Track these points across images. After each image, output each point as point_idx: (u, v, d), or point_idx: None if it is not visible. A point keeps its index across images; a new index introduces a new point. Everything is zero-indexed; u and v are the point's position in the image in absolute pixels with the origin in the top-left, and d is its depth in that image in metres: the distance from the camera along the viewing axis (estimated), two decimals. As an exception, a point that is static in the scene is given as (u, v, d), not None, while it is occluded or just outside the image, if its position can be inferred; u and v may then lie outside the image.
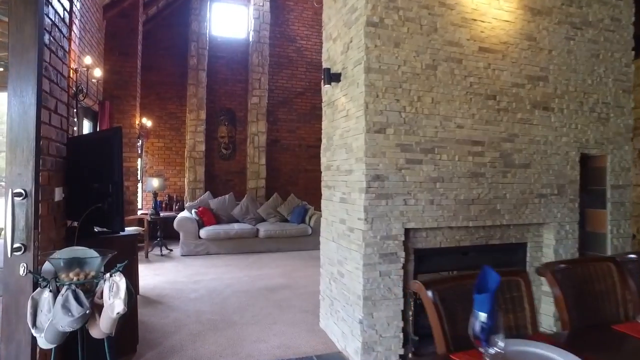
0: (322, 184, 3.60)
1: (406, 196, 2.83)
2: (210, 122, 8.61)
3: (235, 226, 6.89)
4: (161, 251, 6.59)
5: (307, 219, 7.51)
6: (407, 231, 2.87)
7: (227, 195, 7.53)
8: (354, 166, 2.89)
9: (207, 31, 8.41)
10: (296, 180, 9.36)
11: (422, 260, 3.01)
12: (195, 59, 8.19)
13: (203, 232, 6.59)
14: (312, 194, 9.39)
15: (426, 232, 2.97)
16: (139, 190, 7.74)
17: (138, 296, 4.21)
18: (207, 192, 7.57)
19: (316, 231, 7.30)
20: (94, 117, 6.40)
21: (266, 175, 8.73)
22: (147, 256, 6.30)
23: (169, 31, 8.44)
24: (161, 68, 8.40)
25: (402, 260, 2.83)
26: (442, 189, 2.92)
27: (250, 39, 8.77)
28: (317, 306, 3.78)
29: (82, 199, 2.68)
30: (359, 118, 2.81)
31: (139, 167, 8.32)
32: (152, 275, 5.21)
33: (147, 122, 7.89)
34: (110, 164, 2.51)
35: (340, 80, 3.13)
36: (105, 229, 2.68)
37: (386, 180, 2.78)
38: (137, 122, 7.05)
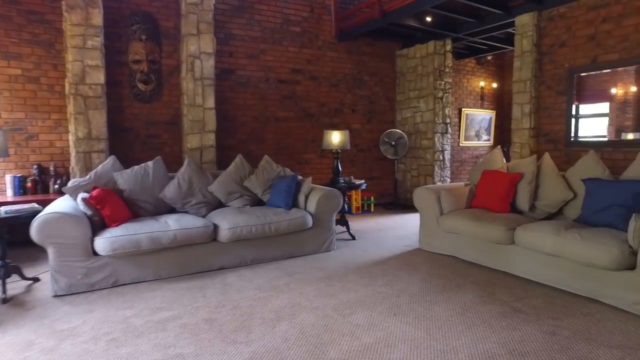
0: None
1: None
2: (114, 35, 4.87)
3: (171, 222, 3.48)
4: (4, 291, 3.01)
5: (300, 198, 4.31)
6: None
7: (150, 163, 4.01)
8: None
9: None
10: (262, 135, 6.01)
11: None
12: None
13: (102, 243, 3.12)
14: (289, 155, 6.17)
15: None
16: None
17: None
18: (112, 158, 3.97)
19: (321, 220, 4.16)
20: None
21: (216, 127, 5.27)
22: (-34, 308, 2.75)
23: None
24: None
25: None
26: None
27: None
28: None
29: None
30: None
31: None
32: None
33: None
34: None
35: None
36: None
37: None
38: None
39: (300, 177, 4.48)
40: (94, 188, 3.52)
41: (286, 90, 6.14)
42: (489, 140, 8.24)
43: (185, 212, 3.95)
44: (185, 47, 5.05)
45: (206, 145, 5.20)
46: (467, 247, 3.72)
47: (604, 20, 4.43)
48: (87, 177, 3.71)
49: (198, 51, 5.08)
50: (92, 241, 3.12)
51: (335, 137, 4.92)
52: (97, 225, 3.26)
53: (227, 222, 3.67)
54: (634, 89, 4.45)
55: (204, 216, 3.93)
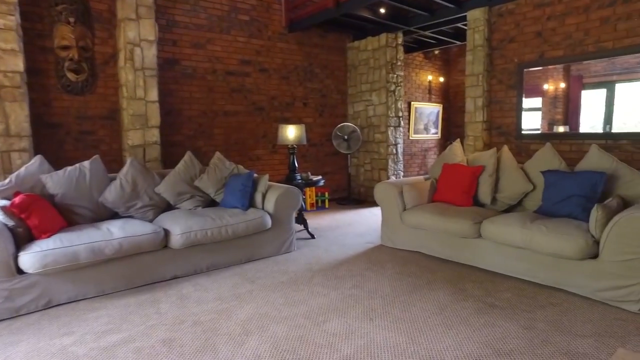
0: None
1: None
2: (34, 15, 4.26)
3: (115, 230, 3.06)
4: None
5: (257, 197, 4.04)
6: None
7: (86, 163, 3.54)
8: None
9: None
10: (211, 130, 5.64)
11: None
12: None
13: (30, 259, 2.64)
14: (239, 152, 5.87)
15: None
16: None
17: None
18: (38, 158, 3.44)
19: (281, 220, 3.93)
20: None
21: (160, 122, 4.83)
22: None
23: None
24: None
25: None
26: None
27: None
28: None
29: None
30: None
31: None
32: None
33: None
34: None
35: None
36: None
37: None
38: None
39: (256, 175, 4.21)
40: (16, 194, 3.02)
41: (235, 83, 5.79)
42: (437, 133, 8.41)
43: (130, 216, 3.54)
44: (122, 33, 4.54)
45: (149, 142, 4.74)
46: (432, 242, 3.67)
47: (549, 18, 4.58)
48: (7, 180, 3.18)
49: (138, 38, 4.59)
50: (15, 257, 2.65)
51: (291, 132, 4.69)
52: (22, 237, 2.78)
53: (179, 227, 3.32)
54: (562, 85, 4.69)
55: (151, 220, 3.55)
